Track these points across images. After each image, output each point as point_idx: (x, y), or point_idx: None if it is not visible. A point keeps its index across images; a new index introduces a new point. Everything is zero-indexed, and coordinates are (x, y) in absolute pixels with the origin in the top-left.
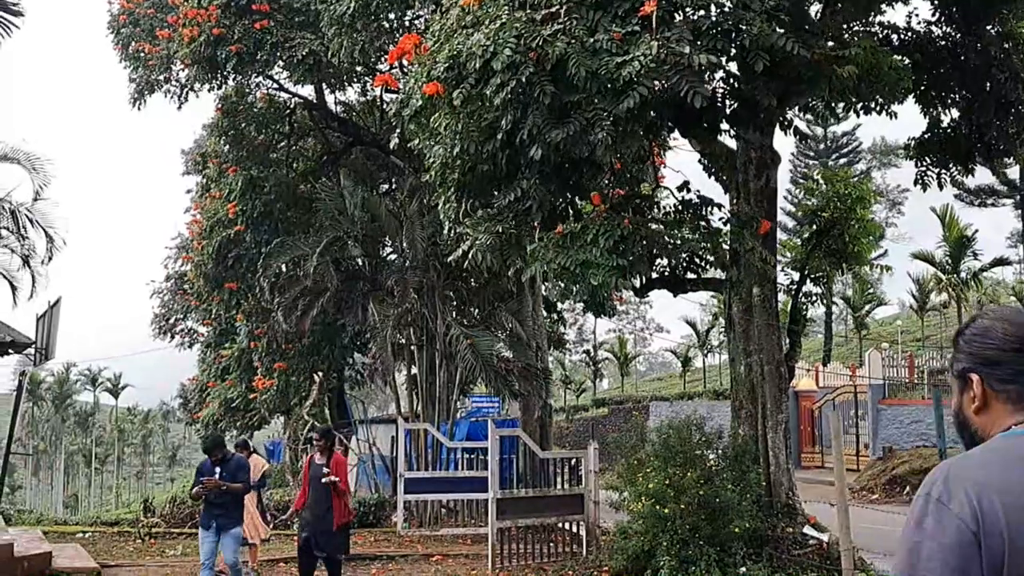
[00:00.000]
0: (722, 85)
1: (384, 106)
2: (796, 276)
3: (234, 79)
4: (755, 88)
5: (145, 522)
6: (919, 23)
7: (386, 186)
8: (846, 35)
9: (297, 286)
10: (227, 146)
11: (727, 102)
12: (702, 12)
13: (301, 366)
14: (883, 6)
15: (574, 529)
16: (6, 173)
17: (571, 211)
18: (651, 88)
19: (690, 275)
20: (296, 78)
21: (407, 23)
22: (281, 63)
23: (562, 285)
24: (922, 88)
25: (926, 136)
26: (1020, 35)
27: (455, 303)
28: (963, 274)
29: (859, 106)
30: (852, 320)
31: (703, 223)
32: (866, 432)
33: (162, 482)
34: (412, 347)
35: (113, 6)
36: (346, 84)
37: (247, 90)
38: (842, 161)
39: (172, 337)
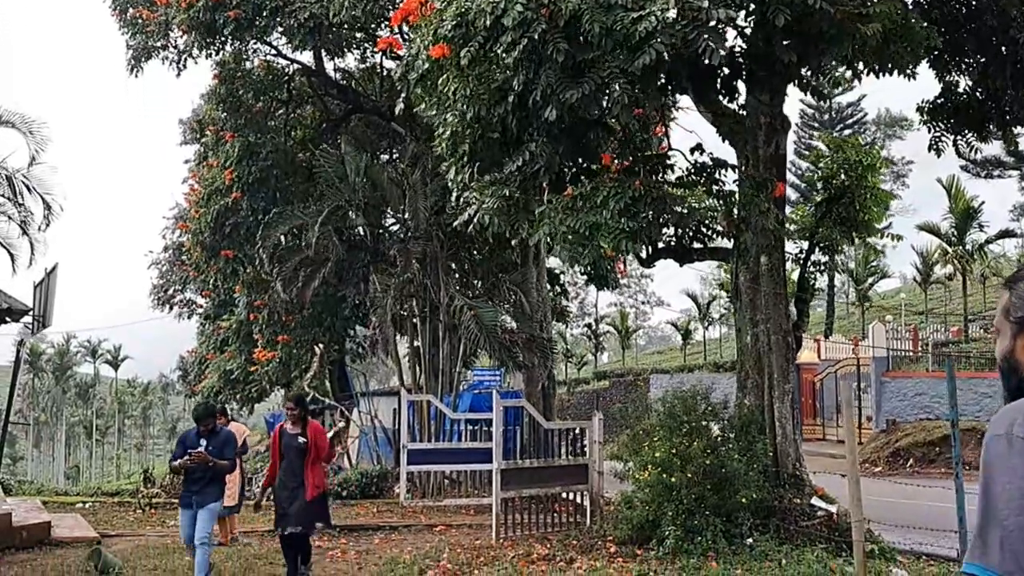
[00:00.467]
0: (740, 43)
1: (384, 73)
2: (804, 246)
3: (232, 45)
4: (774, 45)
5: (145, 492)
6: None
7: (386, 156)
8: None
9: (297, 256)
10: (224, 113)
11: (743, 62)
12: None
13: (302, 338)
14: None
15: (577, 499)
16: (1, 138)
17: (580, 174)
18: (668, 45)
19: (697, 244)
20: (295, 44)
21: None
22: (280, 28)
23: (569, 250)
24: (935, 52)
25: (939, 101)
26: None
27: (458, 274)
28: (968, 246)
29: (877, 68)
30: (855, 293)
31: (716, 186)
32: (869, 405)
33: (162, 454)
34: (414, 319)
35: None
36: (345, 50)
37: (245, 56)
38: (847, 132)
39: (171, 308)
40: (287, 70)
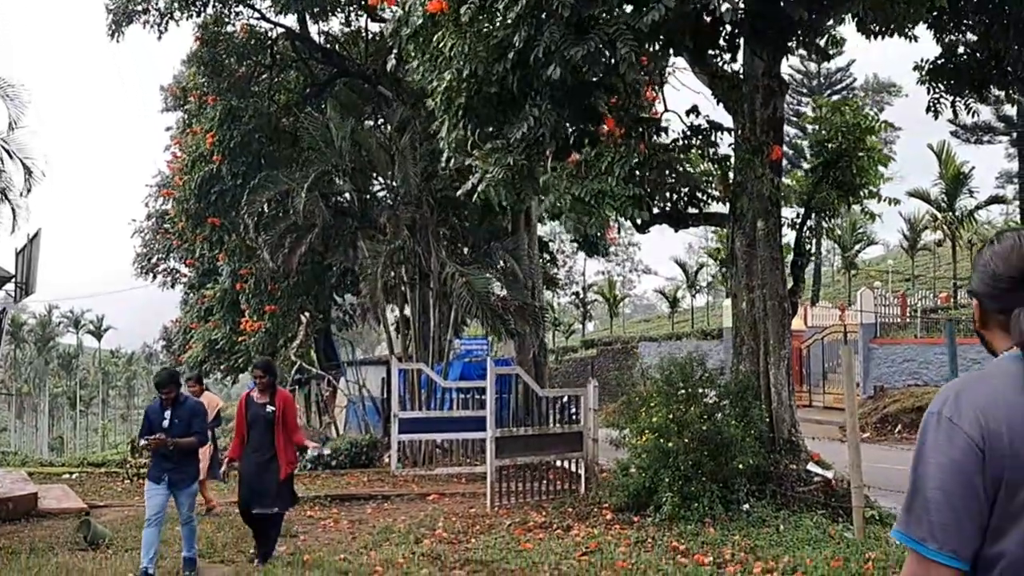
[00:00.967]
0: None
1: (369, 36)
2: (800, 210)
3: (214, 7)
4: (785, 1)
5: (133, 463)
6: None
7: (371, 122)
8: None
9: (283, 222)
10: (205, 78)
11: (747, 19)
12: None
13: (289, 307)
14: None
15: (572, 467)
16: None
17: (583, 138)
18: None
19: (692, 210)
20: (279, 7)
21: None
22: None
23: (576, 219)
24: (936, 12)
25: (939, 62)
26: None
27: (448, 241)
28: (958, 212)
29: (879, 28)
30: (841, 259)
31: (712, 149)
32: (857, 371)
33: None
34: (404, 287)
35: None
36: (330, 13)
37: (227, 19)
38: (835, 98)
39: (154, 277)
40: (270, 34)
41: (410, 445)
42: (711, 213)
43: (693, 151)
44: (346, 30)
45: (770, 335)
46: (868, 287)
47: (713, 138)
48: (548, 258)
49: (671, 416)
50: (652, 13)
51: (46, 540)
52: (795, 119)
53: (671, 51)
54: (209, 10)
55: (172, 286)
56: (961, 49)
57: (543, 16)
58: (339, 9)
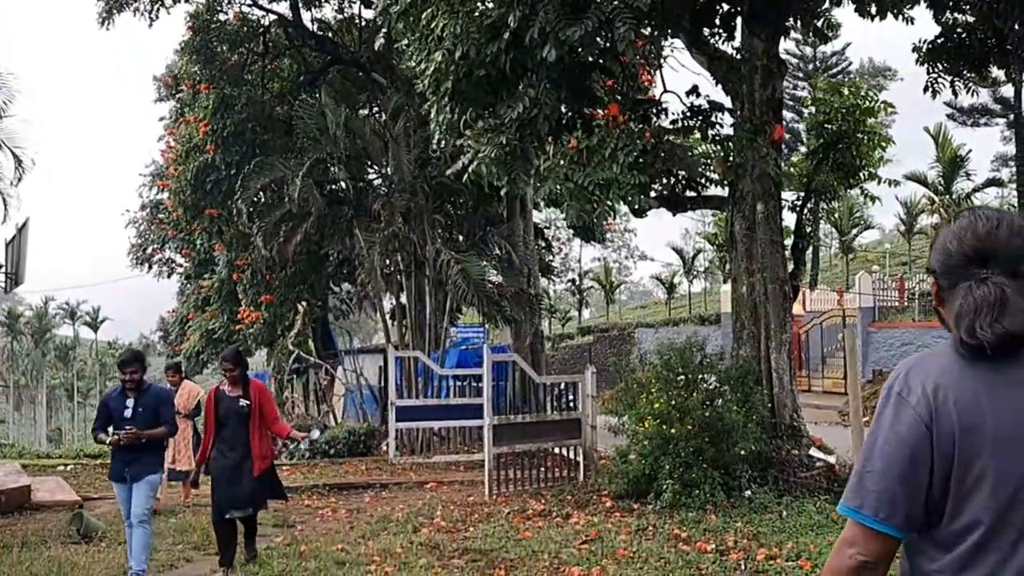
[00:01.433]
0: None
1: (363, 24)
2: (799, 193)
3: None
4: None
5: None
6: None
7: (365, 111)
8: None
9: (279, 210)
10: (198, 67)
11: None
12: None
13: (286, 296)
14: None
15: (570, 454)
16: None
17: (580, 121)
18: None
19: (690, 193)
20: None
21: None
22: None
23: (578, 208)
24: None
25: (939, 41)
26: None
27: (443, 228)
28: (955, 195)
29: (874, 10)
30: (839, 244)
31: (712, 130)
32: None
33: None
34: (399, 274)
35: None
36: (323, 1)
37: (219, 7)
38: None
39: (149, 268)
40: (263, 21)
41: (408, 433)
42: (710, 196)
43: (693, 132)
44: (339, 17)
45: (771, 319)
46: (867, 271)
47: (713, 118)
48: (544, 245)
49: (672, 403)
50: None
51: (39, 533)
52: (791, 103)
53: (668, 31)
54: None
55: (168, 276)
56: (960, 28)
57: None
58: None
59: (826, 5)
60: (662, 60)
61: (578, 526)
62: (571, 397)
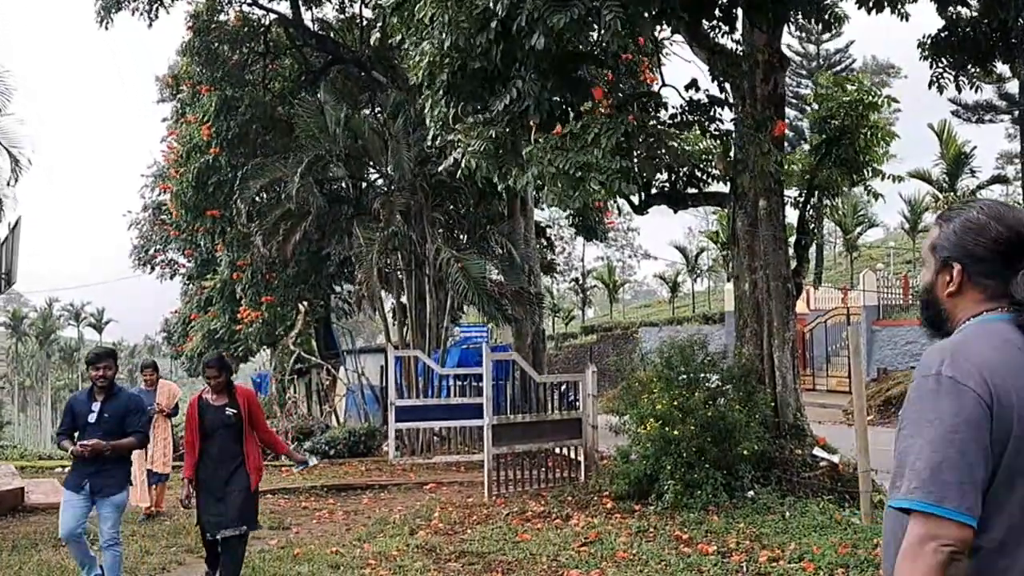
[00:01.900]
0: None
1: (363, 23)
2: (801, 190)
3: None
4: None
5: None
6: None
7: (367, 111)
8: None
9: (278, 209)
10: (199, 67)
11: None
12: None
13: (287, 296)
14: None
15: (570, 455)
16: None
17: (570, 112)
18: None
19: (691, 190)
20: None
21: None
22: None
23: (559, 192)
24: None
25: (943, 35)
26: None
27: (443, 227)
28: (959, 193)
29: (872, 4)
30: (843, 242)
31: (713, 125)
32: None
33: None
34: (400, 273)
35: None
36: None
37: (219, 8)
38: None
39: (152, 269)
40: (263, 21)
41: (408, 433)
42: (711, 193)
43: (693, 127)
44: (340, 17)
45: (774, 317)
46: (871, 269)
47: (713, 113)
48: (546, 243)
49: (675, 402)
50: None
51: (30, 537)
52: (795, 101)
53: (664, 22)
54: None
55: (171, 277)
56: (964, 22)
57: None
58: None
59: None
60: (661, 54)
61: (578, 528)
62: (573, 396)
